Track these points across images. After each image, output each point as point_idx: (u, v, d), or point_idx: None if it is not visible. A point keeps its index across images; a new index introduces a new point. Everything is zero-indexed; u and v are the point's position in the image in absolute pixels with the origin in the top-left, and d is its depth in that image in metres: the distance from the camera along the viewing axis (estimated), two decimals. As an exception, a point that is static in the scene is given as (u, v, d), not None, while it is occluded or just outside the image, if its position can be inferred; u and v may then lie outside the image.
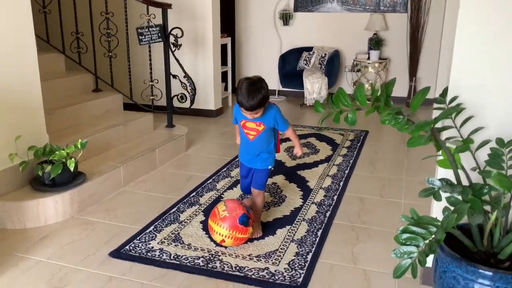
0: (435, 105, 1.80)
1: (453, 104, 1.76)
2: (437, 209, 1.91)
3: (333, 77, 5.86)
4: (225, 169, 3.49)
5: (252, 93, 2.15)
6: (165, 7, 3.87)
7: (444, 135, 1.75)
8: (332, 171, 3.44)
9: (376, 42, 5.74)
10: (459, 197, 1.52)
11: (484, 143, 1.66)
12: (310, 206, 2.81)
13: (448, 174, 1.65)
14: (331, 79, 5.80)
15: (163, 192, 3.05)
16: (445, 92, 1.80)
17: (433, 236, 1.34)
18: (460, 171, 1.58)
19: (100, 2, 3.85)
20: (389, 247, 2.31)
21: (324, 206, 2.81)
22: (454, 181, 1.57)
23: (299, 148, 2.48)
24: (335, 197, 2.95)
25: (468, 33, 1.72)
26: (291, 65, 6.10)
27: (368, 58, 5.80)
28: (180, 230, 2.51)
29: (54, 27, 4.03)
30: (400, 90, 5.99)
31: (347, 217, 2.68)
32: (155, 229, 2.52)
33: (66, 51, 4.09)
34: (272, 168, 2.52)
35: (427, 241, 1.35)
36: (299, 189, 3.08)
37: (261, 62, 6.55)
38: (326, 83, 5.66)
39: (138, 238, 2.41)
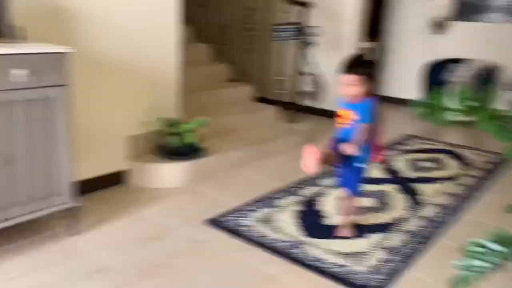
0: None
1: None
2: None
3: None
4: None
5: (357, 57, 2.18)
6: (306, 6, 3.99)
7: None
8: (455, 189, 3.13)
9: (543, 59, 4.99)
10: None
11: None
12: (412, 218, 2.62)
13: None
14: (481, 96, 5.23)
15: (270, 179, 3.17)
16: None
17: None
18: None
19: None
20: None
21: (431, 222, 2.59)
22: None
23: (349, 146, 2.09)
24: (450, 217, 2.69)
25: None
26: (438, 76, 5.68)
27: (531, 76, 5.07)
28: (274, 214, 2.59)
29: (208, 20, 4.48)
30: None
31: (455, 241, 2.42)
32: (252, 208, 2.64)
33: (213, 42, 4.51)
34: (365, 167, 2.27)
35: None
36: (405, 199, 2.89)
37: (405, 70, 6.23)
38: (474, 99, 5.13)
39: (234, 213, 2.57)
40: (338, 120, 2.26)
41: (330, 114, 5.09)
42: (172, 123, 2.97)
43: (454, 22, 5.77)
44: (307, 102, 4.18)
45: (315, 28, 3.96)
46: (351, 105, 2.18)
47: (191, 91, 3.73)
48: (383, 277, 2.02)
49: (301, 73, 4.10)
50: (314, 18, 4.83)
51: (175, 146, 2.89)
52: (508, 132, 1.36)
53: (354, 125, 2.19)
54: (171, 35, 3.06)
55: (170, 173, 2.93)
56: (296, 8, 4.00)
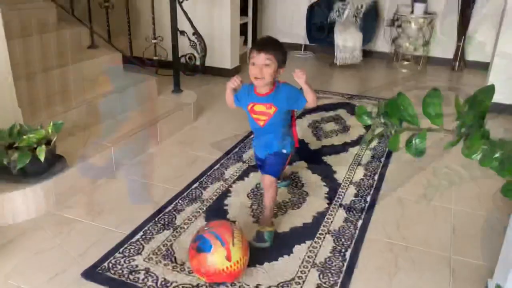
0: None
1: None
2: None
3: (369, 32, 5.11)
4: (236, 149, 2.95)
5: (271, 38, 1.99)
6: None
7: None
8: (366, 158, 2.86)
9: (422, -7, 4.88)
10: None
11: None
12: (337, 211, 2.27)
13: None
14: (367, 35, 5.06)
15: (161, 180, 2.55)
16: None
17: None
18: None
19: None
20: (439, 280, 1.79)
21: (354, 212, 2.26)
22: None
23: (298, 77, 1.86)
24: (368, 198, 2.39)
25: None
26: (321, 16, 5.33)
27: (412, 12, 4.97)
28: (174, 239, 2.02)
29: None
30: (445, 51, 5.20)
31: (383, 229, 2.14)
32: (143, 236, 2.04)
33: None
34: (290, 154, 2.09)
35: None
36: (324, 184, 2.53)
37: (287, 12, 5.79)
38: (360, 39, 4.93)
39: (121, 250, 1.94)
40: (253, 116, 2.03)
41: (221, 73, 4.56)
42: (13, 133, 2.13)
43: (333, -45, 5.36)
44: (193, 63, 3.49)
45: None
46: (266, 98, 1.97)
47: (36, 72, 2.82)
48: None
49: (178, 32, 3.36)
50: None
51: (22, 165, 2.08)
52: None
53: (274, 119, 1.99)
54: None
55: (22, 202, 2.13)
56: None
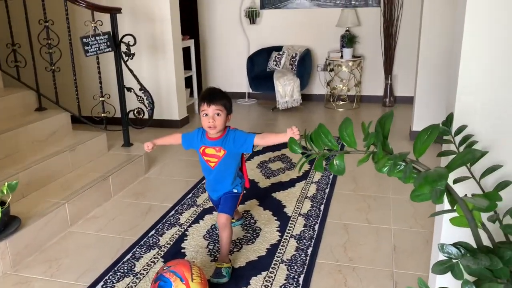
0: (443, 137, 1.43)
1: (461, 135, 1.40)
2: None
3: (305, 78, 5.50)
4: (190, 195, 3.07)
5: (216, 89, 2.13)
6: (113, 12, 3.40)
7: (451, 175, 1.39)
8: (311, 191, 3.07)
9: (349, 39, 5.39)
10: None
11: (503, 185, 1.31)
12: (288, 241, 2.43)
13: (458, 230, 1.30)
14: (304, 80, 5.44)
15: (117, 232, 2.61)
16: (449, 119, 1.44)
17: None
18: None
19: (38, 8, 3.34)
20: (384, 297, 1.96)
21: (304, 240, 2.43)
22: (468, 240, 1.22)
23: (292, 133, 1.98)
24: (316, 227, 2.58)
25: (478, 44, 1.36)
26: (260, 66, 5.70)
27: (341, 57, 5.45)
28: (135, 285, 2.08)
29: (-15, 38, 3.51)
30: (376, 89, 5.70)
31: (331, 254, 2.32)
32: (104, 286, 2.08)
33: (3, 66, 3.57)
34: (241, 193, 2.28)
35: None
36: (275, 218, 2.70)
37: (228, 64, 6.14)
38: (298, 84, 5.30)
39: (82, 301, 1.98)
40: (205, 158, 2.20)
41: (170, 124, 4.72)
42: (-37, 197, 2.16)
43: (265, 11, 5.83)
44: (142, 117, 3.63)
45: (127, 36, 3.40)
46: (216, 142, 2.14)
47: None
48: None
49: (125, 88, 3.52)
50: (128, 25, 4.27)
51: (-25, 228, 2.10)
52: (409, 175, 1.17)
53: (223, 161, 2.17)
54: None
55: (-23, 266, 2.13)
56: (103, 15, 3.38)
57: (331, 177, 3.30)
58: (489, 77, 1.35)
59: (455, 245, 1.17)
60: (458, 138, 1.42)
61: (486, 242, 1.24)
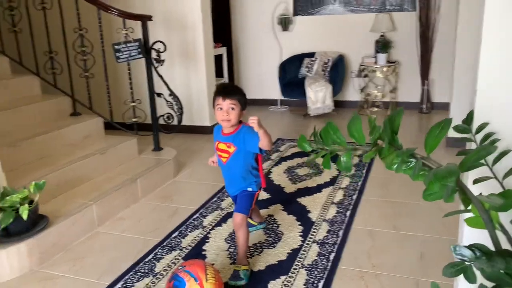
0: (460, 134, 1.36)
1: (482, 133, 1.32)
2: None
3: (338, 84, 5.42)
4: (215, 198, 3.08)
5: (231, 84, 2.19)
6: (144, 20, 3.49)
7: (471, 175, 1.31)
8: (338, 196, 3.00)
9: (383, 45, 5.28)
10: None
11: (527, 186, 1.22)
12: (310, 246, 2.38)
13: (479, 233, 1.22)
14: (336, 87, 5.36)
15: (142, 233, 2.65)
16: (470, 117, 1.37)
17: None
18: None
19: (73, 17, 3.48)
20: (406, 305, 1.87)
21: (327, 246, 2.37)
22: (487, 243, 1.14)
23: (252, 122, 1.96)
24: (340, 233, 2.51)
25: (498, 40, 1.28)
26: (292, 73, 5.67)
27: (376, 62, 5.34)
28: (154, 285, 2.10)
29: (25, 47, 3.69)
30: (412, 95, 5.53)
31: (354, 260, 2.25)
32: (124, 285, 2.11)
33: (41, 73, 3.74)
34: (257, 192, 2.25)
35: None
36: (299, 223, 2.65)
37: (260, 71, 6.15)
38: (330, 91, 5.22)
39: (102, 299, 2.02)
40: (218, 153, 2.24)
41: (200, 130, 4.79)
42: (-5, 196, 2.25)
43: (298, 18, 5.81)
44: (172, 123, 3.70)
45: (157, 43, 3.48)
46: (228, 138, 2.17)
47: (21, 139, 2.99)
48: None
49: (158, 94, 3.60)
50: (160, 32, 4.37)
51: (6, 224, 2.19)
52: (418, 172, 1.12)
53: (234, 157, 2.18)
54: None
55: (6, 261, 2.21)
56: (134, 23, 3.48)
57: (359, 183, 3.21)
58: (510, 73, 1.28)
59: (470, 247, 1.10)
60: (479, 137, 1.34)
61: (506, 245, 1.16)
